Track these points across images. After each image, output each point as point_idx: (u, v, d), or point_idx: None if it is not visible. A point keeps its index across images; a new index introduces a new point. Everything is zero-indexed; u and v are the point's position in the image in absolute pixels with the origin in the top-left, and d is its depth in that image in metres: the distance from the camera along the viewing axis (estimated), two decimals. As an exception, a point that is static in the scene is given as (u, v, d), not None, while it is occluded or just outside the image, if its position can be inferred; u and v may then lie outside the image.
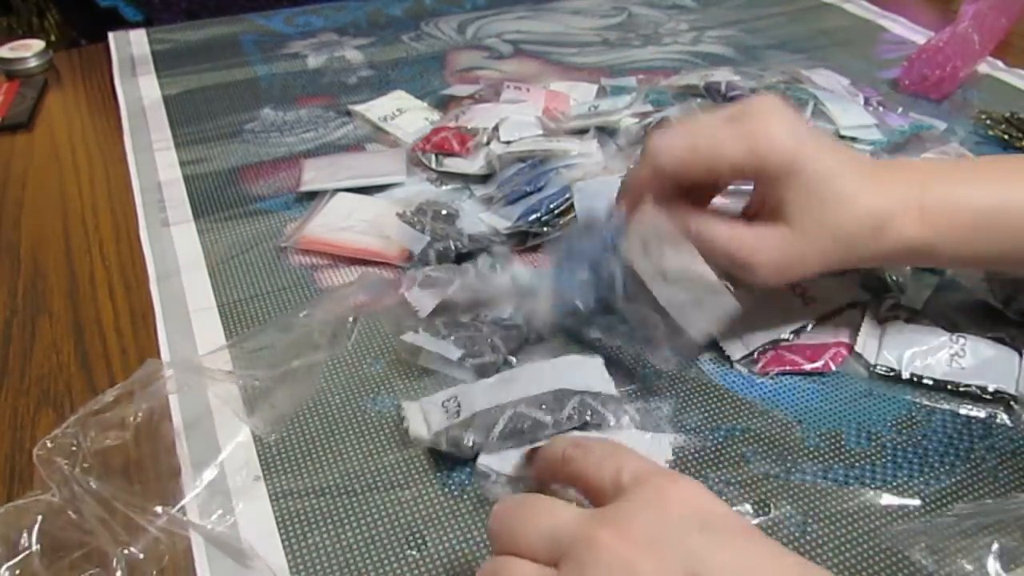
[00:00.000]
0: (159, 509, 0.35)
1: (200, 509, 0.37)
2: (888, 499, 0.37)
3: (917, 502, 0.37)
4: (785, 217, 0.40)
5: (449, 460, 0.39)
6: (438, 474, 0.38)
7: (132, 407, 0.39)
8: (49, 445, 0.36)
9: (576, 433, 0.39)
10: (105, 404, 0.38)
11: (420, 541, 0.35)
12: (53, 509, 0.34)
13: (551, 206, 0.53)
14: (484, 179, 0.59)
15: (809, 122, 0.62)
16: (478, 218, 0.55)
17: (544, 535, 0.28)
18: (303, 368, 0.42)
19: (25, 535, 0.33)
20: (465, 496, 0.37)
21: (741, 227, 0.41)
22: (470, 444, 0.38)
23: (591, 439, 0.33)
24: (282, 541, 0.35)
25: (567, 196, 0.53)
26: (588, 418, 0.39)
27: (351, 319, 0.46)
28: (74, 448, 0.36)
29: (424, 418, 0.40)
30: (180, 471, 0.38)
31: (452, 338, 0.44)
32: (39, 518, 0.34)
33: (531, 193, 0.55)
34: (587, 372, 0.42)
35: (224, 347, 0.45)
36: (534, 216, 0.53)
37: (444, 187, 0.59)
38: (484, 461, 0.38)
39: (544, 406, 0.39)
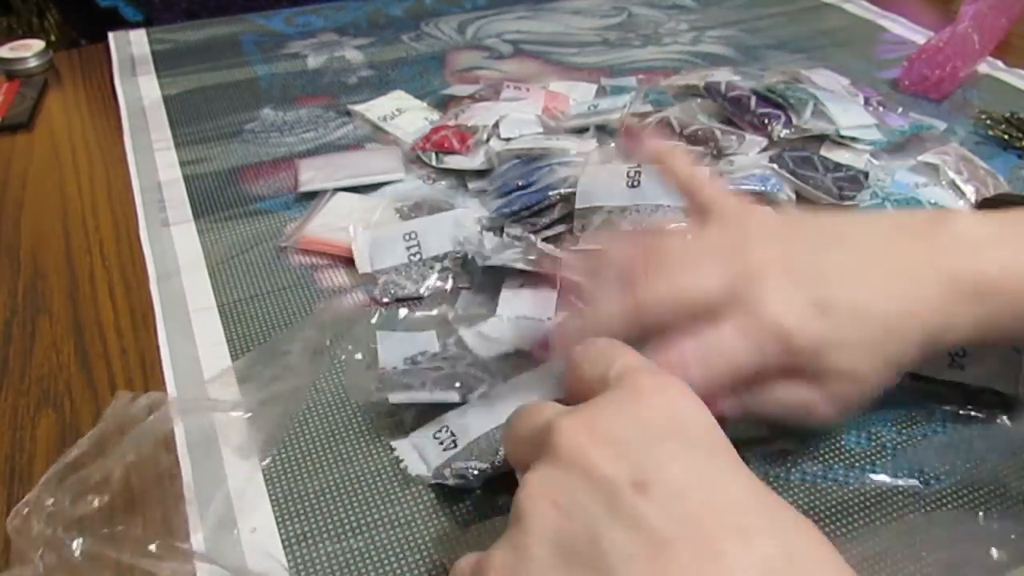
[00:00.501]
0: (154, 548, 0.34)
1: (205, 536, 0.36)
2: (888, 499, 0.37)
3: (917, 502, 0.37)
4: (831, 377, 0.35)
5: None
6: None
7: (117, 451, 0.37)
8: (24, 512, 0.33)
9: None
10: (78, 456, 0.36)
11: (422, 542, 0.35)
12: None
13: (528, 204, 0.53)
14: (482, 175, 0.59)
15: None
16: (467, 205, 0.56)
17: (532, 435, 0.28)
18: (286, 391, 0.42)
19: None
20: (465, 495, 0.37)
21: (794, 391, 0.36)
22: (475, 473, 0.36)
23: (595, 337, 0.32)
24: (282, 541, 0.35)
25: (549, 194, 0.53)
26: None
27: (327, 342, 0.45)
28: (53, 508, 0.34)
29: (419, 455, 0.39)
30: (182, 505, 0.37)
31: (433, 377, 0.41)
32: None
33: (523, 187, 0.55)
34: None
35: (220, 375, 0.44)
36: (509, 211, 0.53)
37: (440, 183, 0.59)
38: None
39: None
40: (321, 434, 0.40)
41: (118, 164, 0.64)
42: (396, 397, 0.40)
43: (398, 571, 0.34)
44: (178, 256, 0.53)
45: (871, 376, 0.35)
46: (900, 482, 0.38)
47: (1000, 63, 0.77)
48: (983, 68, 0.77)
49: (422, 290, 0.49)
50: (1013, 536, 0.35)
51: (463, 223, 0.53)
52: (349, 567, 0.34)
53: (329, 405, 0.42)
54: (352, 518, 0.36)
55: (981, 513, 0.36)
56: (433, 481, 0.37)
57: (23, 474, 0.39)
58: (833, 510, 0.37)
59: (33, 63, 0.79)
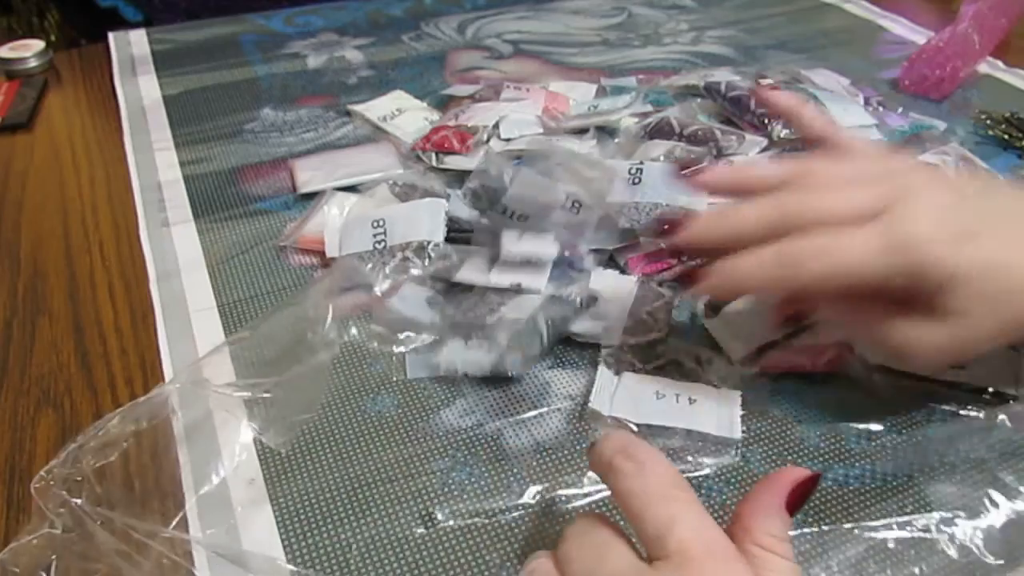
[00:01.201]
0: (161, 526, 0.35)
1: (201, 519, 0.36)
2: (888, 499, 0.37)
3: (917, 503, 0.37)
4: (946, 317, 0.34)
5: (449, 455, 0.39)
6: (438, 473, 0.38)
7: (130, 424, 0.38)
8: (46, 475, 0.35)
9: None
10: (103, 432, 0.37)
11: (421, 540, 0.35)
12: (59, 543, 0.34)
13: None
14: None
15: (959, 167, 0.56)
16: (464, 203, 0.55)
17: None
18: (308, 372, 0.41)
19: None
20: (466, 495, 0.37)
21: (898, 325, 0.35)
22: (536, 355, 0.43)
23: (647, 453, 0.29)
24: (282, 542, 0.35)
25: None
26: (588, 301, 0.46)
27: (340, 319, 0.46)
28: (75, 476, 0.35)
29: (465, 361, 0.42)
30: (180, 482, 0.38)
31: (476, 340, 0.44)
32: (52, 556, 0.33)
33: None
34: None
35: (223, 345, 0.44)
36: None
37: (437, 181, 0.59)
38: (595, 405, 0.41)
39: (557, 303, 0.45)
40: (322, 419, 0.41)
41: (118, 164, 0.64)
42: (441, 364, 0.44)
43: (382, 533, 0.34)
44: (178, 256, 0.53)
45: (983, 328, 0.34)
46: (900, 483, 0.38)
47: (1000, 63, 0.77)
48: (983, 68, 0.77)
49: (379, 281, 0.49)
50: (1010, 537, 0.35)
51: (436, 213, 0.52)
52: (344, 554, 0.34)
53: (332, 381, 0.42)
54: (348, 502, 0.37)
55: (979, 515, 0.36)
56: (492, 373, 0.42)
57: (23, 474, 0.39)
58: (833, 511, 0.37)
59: (33, 63, 0.79)
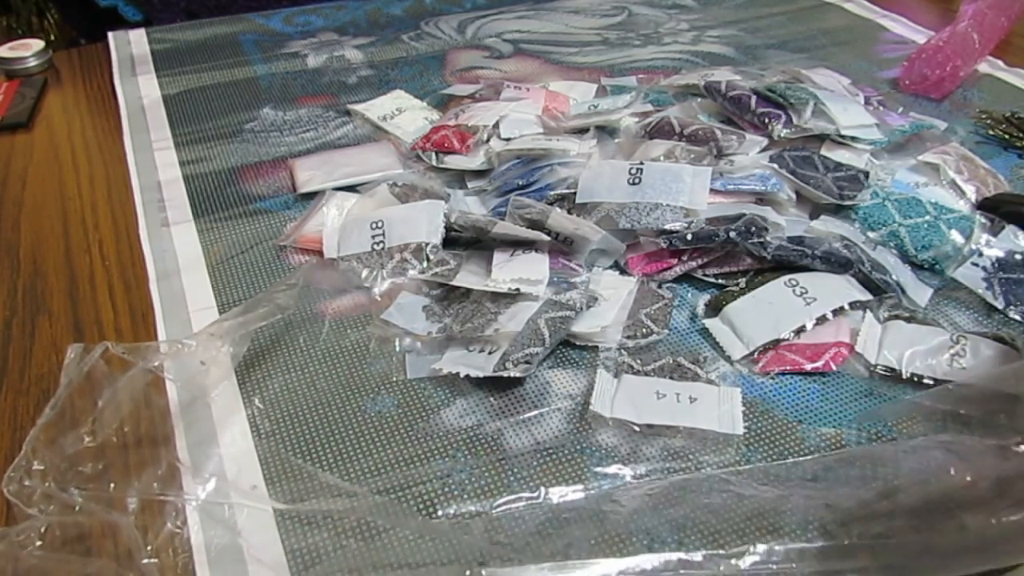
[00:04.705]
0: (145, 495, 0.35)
1: (200, 511, 0.37)
2: (888, 500, 0.37)
3: (918, 503, 0.37)
4: None
5: (449, 455, 0.39)
6: (437, 473, 0.38)
7: (103, 405, 0.39)
8: (17, 475, 0.35)
9: None
10: (54, 417, 0.38)
11: (420, 539, 0.35)
12: (45, 531, 0.34)
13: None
14: (481, 175, 0.59)
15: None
16: (464, 202, 0.56)
17: None
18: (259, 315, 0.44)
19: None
20: (465, 495, 0.37)
21: None
22: (539, 355, 0.42)
23: None
24: (282, 541, 0.35)
25: (548, 194, 0.53)
26: (586, 302, 0.46)
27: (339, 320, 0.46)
28: (45, 467, 0.36)
29: (467, 365, 0.42)
30: (179, 470, 0.38)
31: (479, 348, 0.44)
32: (36, 543, 0.34)
33: (523, 187, 0.55)
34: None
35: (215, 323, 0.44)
36: (504, 210, 0.53)
37: (437, 179, 0.59)
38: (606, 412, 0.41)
39: (556, 306, 0.45)
40: (322, 419, 0.41)
41: (118, 164, 0.64)
42: (440, 365, 0.44)
43: (381, 532, 0.34)
44: (178, 256, 0.53)
45: None
46: (901, 483, 0.38)
47: (1000, 63, 0.77)
48: (983, 68, 0.77)
49: (377, 283, 0.50)
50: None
51: (434, 215, 0.52)
52: (344, 553, 0.34)
53: (332, 381, 0.42)
54: (348, 502, 0.36)
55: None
56: (495, 374, 0.41)
57: (23, 474, 0.39)
58: (831, 508, 0.37)
59: (33, 63, 0.79)
